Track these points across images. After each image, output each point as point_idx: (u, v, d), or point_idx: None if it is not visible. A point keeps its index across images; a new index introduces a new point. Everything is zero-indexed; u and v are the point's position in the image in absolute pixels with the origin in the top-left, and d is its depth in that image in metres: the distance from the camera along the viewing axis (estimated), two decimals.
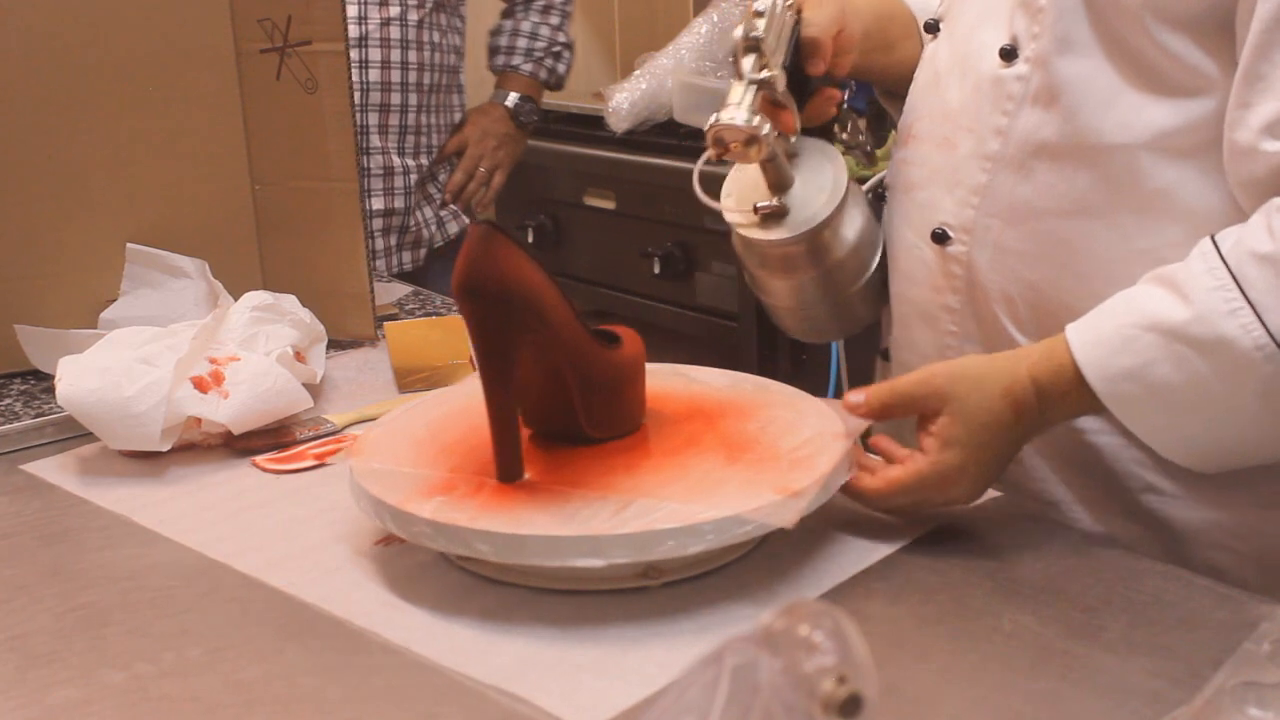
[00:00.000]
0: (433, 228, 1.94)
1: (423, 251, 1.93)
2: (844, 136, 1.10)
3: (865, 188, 1.12)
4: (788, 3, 0.98)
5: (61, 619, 0.85)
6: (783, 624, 0.56)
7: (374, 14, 1.80)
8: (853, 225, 1.01)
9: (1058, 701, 0.73)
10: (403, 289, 1.59)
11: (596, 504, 0.83)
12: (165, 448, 1.06)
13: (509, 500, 0.85)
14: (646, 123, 2.42)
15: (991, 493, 1.00)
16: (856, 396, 0.91)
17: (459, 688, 0.75)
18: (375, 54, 1.81)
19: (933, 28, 1.09)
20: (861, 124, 1.10)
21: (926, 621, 0.81)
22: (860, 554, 0.88)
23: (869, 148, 1.11)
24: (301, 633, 0.82)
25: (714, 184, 1.01)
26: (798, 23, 1.00)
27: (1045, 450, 1.01)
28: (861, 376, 1.18)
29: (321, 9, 1.28)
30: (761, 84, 0.94)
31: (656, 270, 2.29)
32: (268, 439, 1.10)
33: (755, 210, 1.00)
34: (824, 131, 1.07)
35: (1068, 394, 0.89)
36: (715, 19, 2.49)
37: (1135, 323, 0.86)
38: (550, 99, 2.67)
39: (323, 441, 1.10)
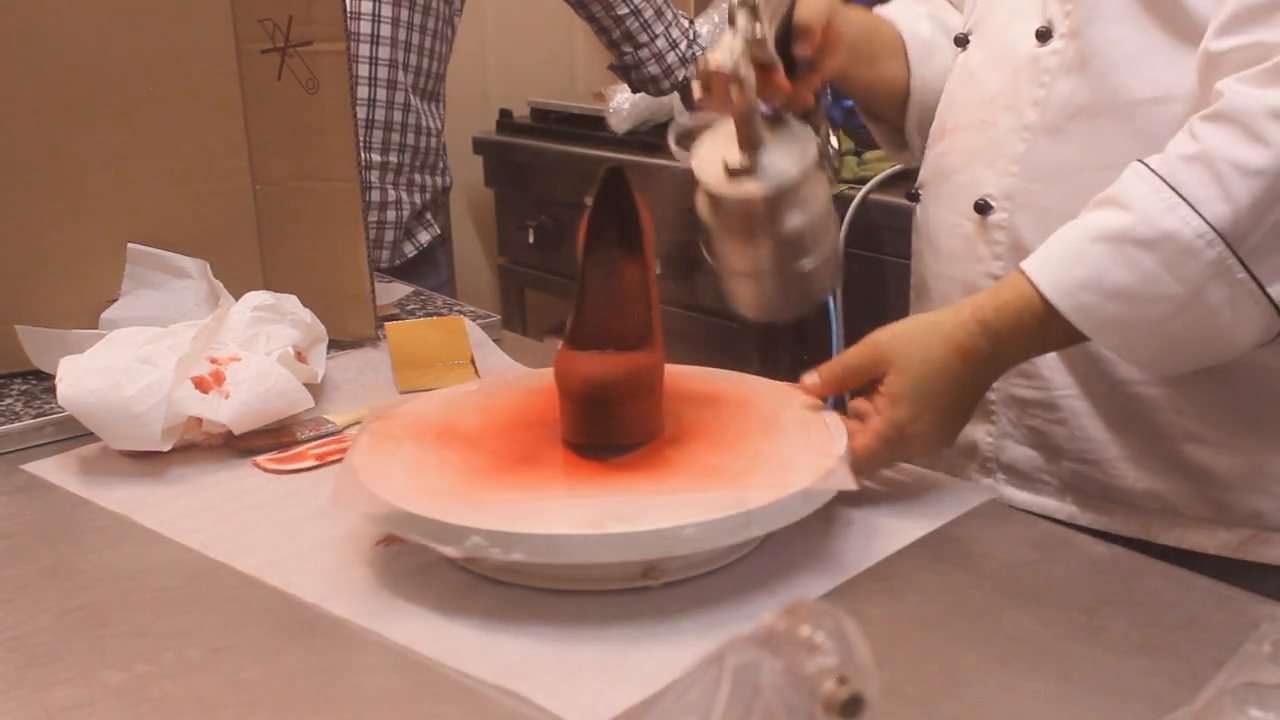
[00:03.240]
0: (399, 232, 1.91)
1: (385, 252, 1.90)
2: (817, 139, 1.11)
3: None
4: None
5: (62, 619, 0.85)
6: (784, 624, 0.56)
7: (364, 7, 1.81)
8: (814, 200, 1.04)
9: (1058, 701, 0.73)
10: (404, 289, 1.59)
11: (586, 505, 0.83)
12: (166, 448, 1.05)
13: (517, 492, 0.85)
14: (647, 123, 2.43)
15: (990, 493, 1.01)
16: (810, 377, 0.96)
17: (459, 688, 0.75)
18: (359, 48, 1.81)
19: (963, 41, 1.14)
20: (833, 135, 1.13)
21: (927, 622, 0.81)
22: (861, 554, 0.88)
23: (832, 157, 1.14)
24: (302, 633, 0.82)
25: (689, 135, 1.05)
26: (792, 5, 1.05)
27: (1092, 405, 1.04)
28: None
29: (322, 9, 1.28)
30: (753, 42, 0.97)
31: (657, 270, 2.29)
32: (268, 439, 1.10)
33: (725, 169, 1.02)
34: (806, 118, 1.10)
35: (1019, 326, 0.92)
36: (716, 19, 2.49)
37: (1082, 236, 0.91)
38: (551, 99, 2.68)
39: (323, 441, 1.10)
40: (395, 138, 1.88)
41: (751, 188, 1.01)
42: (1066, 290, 0.90)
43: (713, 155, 1.04)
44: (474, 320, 1.39)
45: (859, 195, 1.93)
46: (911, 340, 0.93)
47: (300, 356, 1.18)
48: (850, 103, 1.30)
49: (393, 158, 1.89)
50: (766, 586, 0.84)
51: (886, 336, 0.94)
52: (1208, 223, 0.87)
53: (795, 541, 0.88)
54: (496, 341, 1.34)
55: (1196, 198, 0.87)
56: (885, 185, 1.95)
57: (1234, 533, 1.01)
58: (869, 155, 1.99)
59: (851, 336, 1.90)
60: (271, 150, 1.32)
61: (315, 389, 1.18)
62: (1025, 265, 0.93)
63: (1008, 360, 0.95)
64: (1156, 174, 0.89)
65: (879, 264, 1.93)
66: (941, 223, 1.12)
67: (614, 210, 0.96)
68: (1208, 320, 0.89)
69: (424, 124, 1.92)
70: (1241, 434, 1.00)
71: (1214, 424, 1.00)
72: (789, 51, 1.05)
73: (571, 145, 2.49)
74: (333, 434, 1.12)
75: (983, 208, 1.06)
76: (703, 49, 2.06)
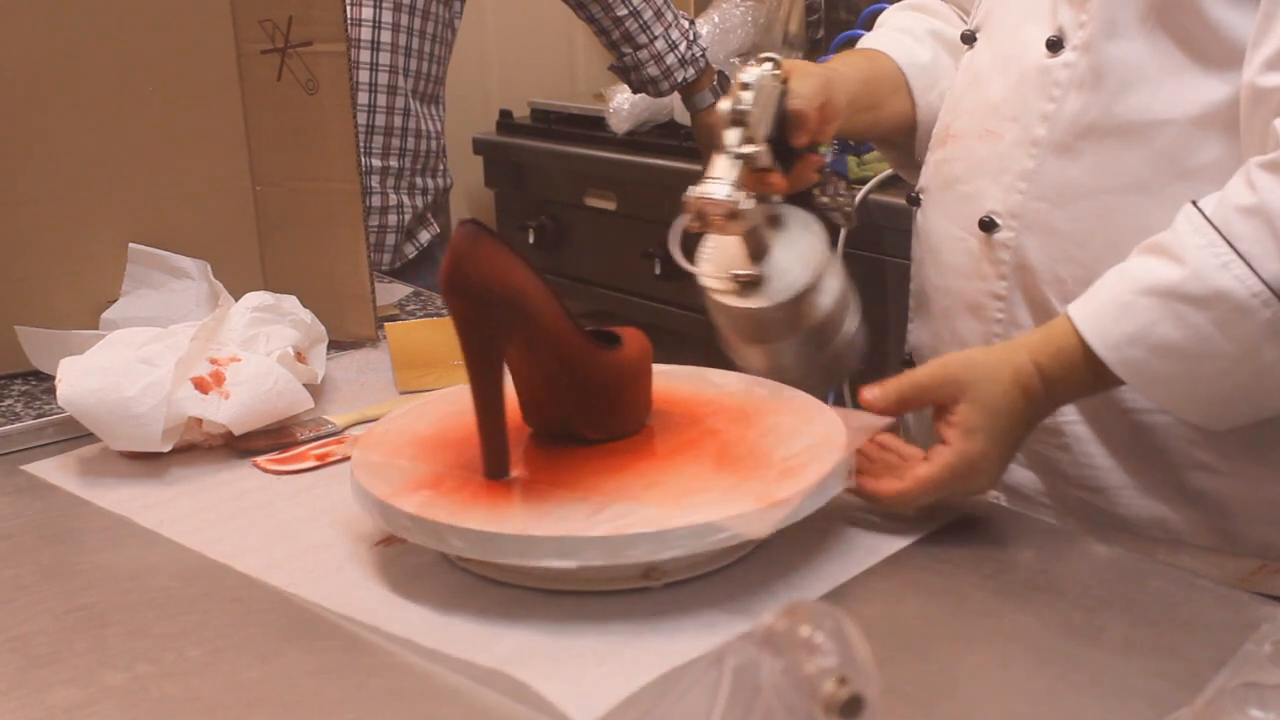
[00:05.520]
0: (399, 236, 1.91)
1: (387, 255, 1.89)
2: (824, 199, 1.11)
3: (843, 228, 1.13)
4: (774, 73, 0.99)
5: (62, 619, 0.85)
6: (784, 625, 0.56)
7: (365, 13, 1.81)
8: (829, 292, 1.02)
9: (1058, 702, 0.73)
10: (404, 289, 1.59)
11: (574, 504, 0.83)
12: (166, 448, 1.05)
13: (491, 497, 0.85)
14: (647, 124, 2.43)
15: (991, 497, 1.00)
16: (872, 391, 0.91)
17: (459, 689, 0.75)
18: (358, 55, 1.81)
19: (969, 38, 1.11)
20: (841, 185, 1.12)
21: (928, 622, 0.81)
22: (861, 555, 0.88)
23: (848, 208, 1.13)
24: (302, 633, 0.82)
25: (690, 244, 1.01)
26: (784, 93, 1.00)
27: (1097, 433, 1.02)
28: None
29: (322, 9, 1.28)
30: (745, 158, 0.95)
31: (658, 271, 2.29)
32: (268, 440, 1.10)
33: (733, 278, 1.01)
34: (804, 194, 1.09)
35: (1072, 372, 0.90)
36: (716, 19, 2.49)
37: (1131, 289, 0.88)
38: (551, 99, 2.68)
39: (323, 442, 1.10)
40: (395, 143, 1.88)
41: (764, 300, 0.99)
42: (1113, 344, 0.88)
43: (719, 261, 1.02)
44: None
45: (859, 195, 1.93)
46: (987, 372, 0.89)
47: (300, 357, 1.18)
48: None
49: (393, 162, 1.89)
50: (767, 587, 0.84)
51: (961, 362, 0.90)
52: (1264, 282, 0.84)
53: (795, 541, 0.87)
54: None
55: (1253, 254, 0.84)
56: (885, 185, 1.95)
57: (1242, 563, 0.99)
58: (869, 156, 1.99)
59: (869, 345, 1.90)
60: (271, 151, 1.32)
61: (315, 390, 1.18)
62: (1073, 313, 0.90)
63: (1056, 405, 0.93)
64: (1211, 224, 0.86)
65: (879, 265, 1.92)
66: (944, 235, 1.09)
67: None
68: (1261, 378, 0.86)
69: (424, 128, 1.92)
70: (1253, 462, 0.97)
71: (1224, 452, 0.97)
72: (785, 138, 1.01)
73: (572, 145, 2.49)
74: (333, 435, 1.12)
75: (988, 225, 1.03)
76: (703, 50, 2.05)
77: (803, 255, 1.01)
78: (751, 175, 0.96)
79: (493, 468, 0.87)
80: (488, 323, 0.85)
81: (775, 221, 1.03)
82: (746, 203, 0.94)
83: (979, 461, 0.88)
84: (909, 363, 1.16)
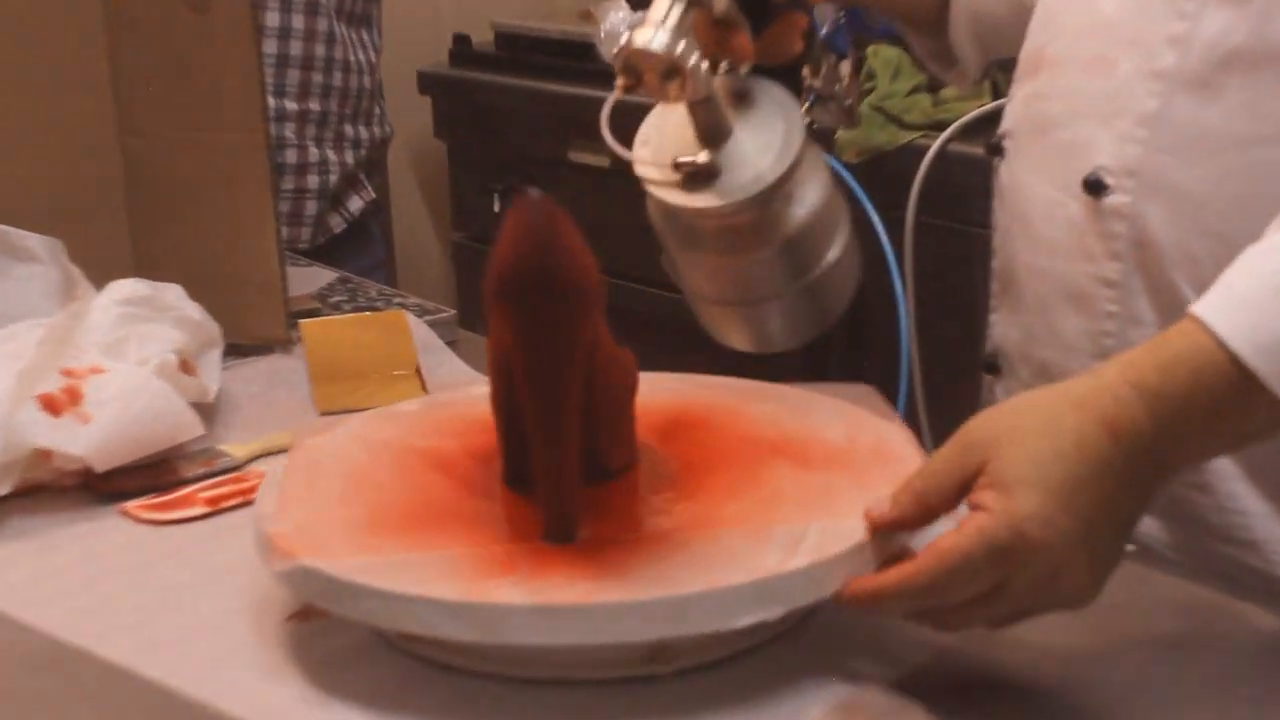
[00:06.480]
0: (323, 203, 1.92)
1: (306, 230, 1.91)
2: (815, 83, 1.09)
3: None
4: None
5: None
6: None
7: None
8: (809, 194, 1.01)
9: None
10: (327, 275, 1.59)
11: (721, 543, 0.85)
12: (3, 491, 1.05)
13: (600, 564, 0.85)
14: None
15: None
16: (879, 509, 0.84)
17: None
18: None
19: None
20: (842, 68, 1.10)
21: (1029, 709, 0.81)
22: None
23: (848, 101, 1.11)
24: None
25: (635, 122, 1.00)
26: None
27: (1246, 469, 1.01)
28: (954, 399, 1.17)
29: None
30: (695, 2, 0.93)
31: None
32: (143, 479, 1.09)
33: (676, 166, 0.99)
34: (789, 75, 1.06)
35: (1198, 393, 0.81)
36: None
37: None
38: (526, 23, 2.67)
39: (218, 482, 1.10)
40: (316, 79, 1.88)
41: (716, 198, 0.98)
42: (1264, 345, 0.81)
43: (663, 146, 1.00)
44: (420, 316, 1.38)
45: (934, 146, 1.93)
46: (1027, 411, 0.82)
47: (186, 366, 1.17)
48: None
49: (313, 105, 1.89)
50: (814, 672, 0.84)
51: (985, 418, 0.83)
52: None
53: (847, 610, 0.87)
54: (450, 344, 1.33)
55: None
56: (970, 132, 1.95)
57: None
58: (947, 92, 1.99)
59: (926, 334, 1.90)
60: (145, 90, 1.32)
61: (206, 410, 1.18)
62: (1201, 311, 0.83)
63: (1180, 445, 0.82)
64: None
65: (961, 238, 1.92)
66: (1036, 197, 1.09)
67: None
68: None
69: (353, 58, 1.92)
70: None
71: None
72: None
73: (550, 82, 2.50)
74: (230, 471, 1.12)
75: (1095, 186, 1.03)
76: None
77: (773, 143, 0.99)
78: (708, 28, 0.95)
79: (561, 528, 0.87)
80: (574, 326, 0.86)
81: (742, 99, 1.01)
82: (690, 56, 0.92)
83: (1038, 529, 0.77)
84: (992, 367, 1.15)
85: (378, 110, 1.99)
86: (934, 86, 1.99)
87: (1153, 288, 1.02)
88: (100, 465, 1.07)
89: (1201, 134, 0.99)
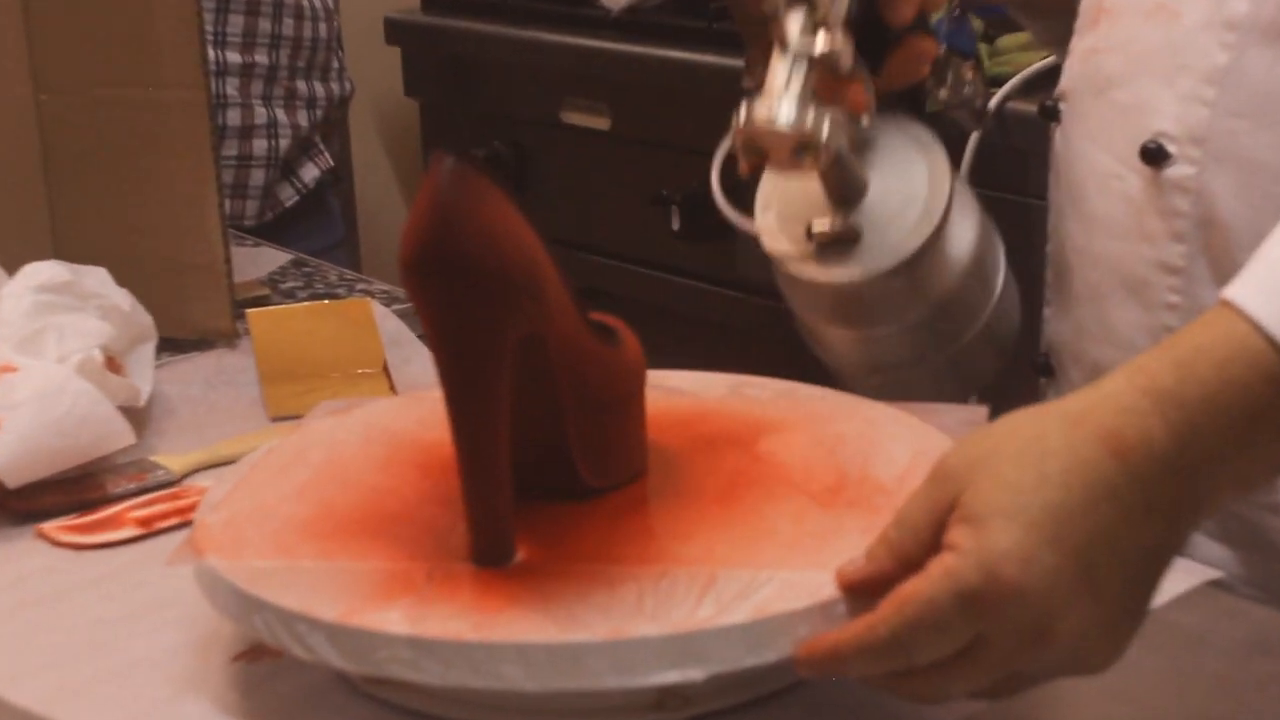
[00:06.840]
0: (272, 172, 1.94)
1: (253, 203, 1.93)
2: (942, 94, 1.12)
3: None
4: None
5: None
6: None
7: None
8: (963, 241, 1.03)
9: None
10: (279, 256, 1.61)
11: (659, 585, 0.83)
12: None
13: (513, 595, 0.84)
14: None
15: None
16: (852, 566, 0.81)
17: None
18: None
19: None
20: (967, 71, 1.12)
21: None
22: None
23: (978, 103, 1.14)
24: None
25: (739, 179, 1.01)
26: None
27: None
28: (1014, 407, 1.18)
29: None
30: (818, 60, 0.95)
31: (675, 225, 2.29)
32: (63, 495, 1.09)
33: (809, 236, 1.01)
34: (911, 95, 1.09)
35: (1231, 390, 0.76)
36: None
37: None
38: None
39: (151, 499, 1.10)
40: (264, 26, 1.90)
41: (860, 271, 0.99)
42: None
43: (788, 212, 1.03)
44: (387, 305, 1.39)
45: (994, 99, 1.91)
46: (1005, 435, 0.79)
47: (113, 364, 1.18)
48: None
49: (261, 57, 1.91)
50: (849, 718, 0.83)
51: (960, 443, 0.81)
52: None
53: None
54: (422, 337, 1.32)
55: None
56: (1031, 88, 1.93)
57: None
58: (1005, 42, 1.98)
59: None
60: (64, 42, 1.33)
61: (137, 416, 1.18)
62: (1233, 294, 0.80)
63: (1211, 460, 0.76)
64: None
65: (1019, 210, 1.91)
66: (1092, 169, 1.09)
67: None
68: None
69: (306, 2, 1.94)
70: None
71: None
72: (875, 21, 1.00)
73: (541, 30, 2.50)
74: (165, 487, 1.12)
75: (1155, 154, 1.03)
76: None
77: (915, 193, 1.01)
78: (829, 83, 0.96)
79: (492, 547, 0.86)
80: (492, 318, 0.83)
81: (869, 145, 1.03)
82: (824, 128, 0.93)
83: (1012, 570, 0.73)
84: (1045, 368, 1.16)
85: (336, 63, 2.00)
86: (989, 36, 1.98)
87: (1220, 275, 1.00)
88: (13, 480, 1.07)
89: (1277, 95, 0.99)
